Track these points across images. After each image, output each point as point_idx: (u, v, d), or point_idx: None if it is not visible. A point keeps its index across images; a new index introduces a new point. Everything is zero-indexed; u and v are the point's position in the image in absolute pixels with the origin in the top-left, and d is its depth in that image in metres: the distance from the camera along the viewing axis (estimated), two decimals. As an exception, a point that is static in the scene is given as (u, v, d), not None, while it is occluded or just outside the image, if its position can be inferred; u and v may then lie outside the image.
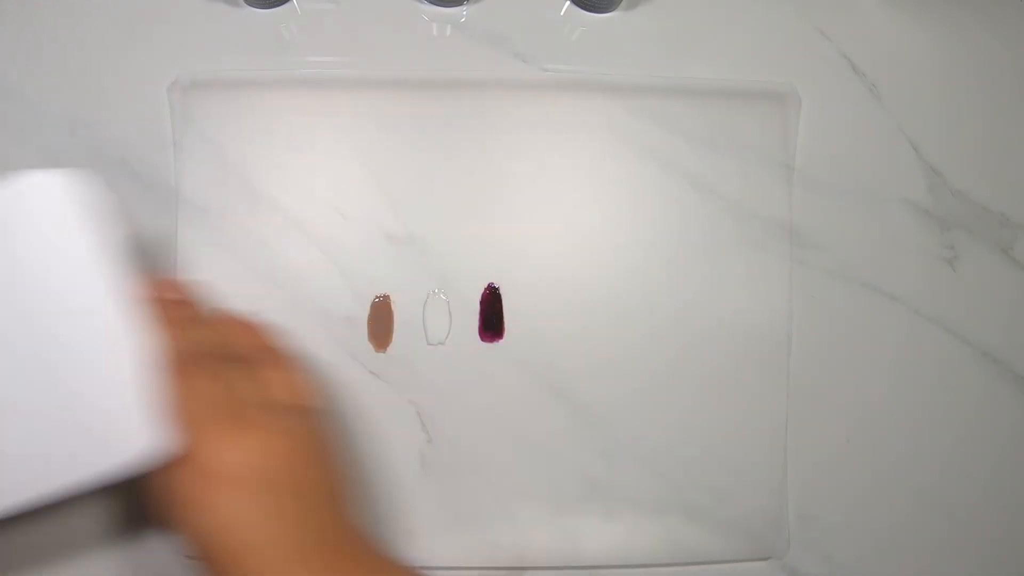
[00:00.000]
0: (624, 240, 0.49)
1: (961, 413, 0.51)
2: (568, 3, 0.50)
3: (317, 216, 0.48)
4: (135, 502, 0.44)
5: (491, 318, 0.48)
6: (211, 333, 0.37)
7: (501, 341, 0.48)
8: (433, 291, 0.48)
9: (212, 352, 0.35)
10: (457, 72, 0.49)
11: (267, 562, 0.31)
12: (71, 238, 0.36)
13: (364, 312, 0.48)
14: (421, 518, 0.48)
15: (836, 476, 0.50)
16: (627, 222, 0.49)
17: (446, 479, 0.48)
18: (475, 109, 0.48)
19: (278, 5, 0.49)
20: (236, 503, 0.32)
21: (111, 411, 0.34)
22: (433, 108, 0.48)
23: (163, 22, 0.48)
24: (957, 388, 0.51)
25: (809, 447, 0.50)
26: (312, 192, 0.48)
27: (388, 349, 0.48)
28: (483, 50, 0.49)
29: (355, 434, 0.48)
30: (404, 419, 0.48)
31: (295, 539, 0.32)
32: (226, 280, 0.47)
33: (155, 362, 0.34)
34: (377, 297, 0.48)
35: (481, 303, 0.48)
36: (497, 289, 0.48)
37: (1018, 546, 0.51)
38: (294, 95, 0.48)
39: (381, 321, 0.48)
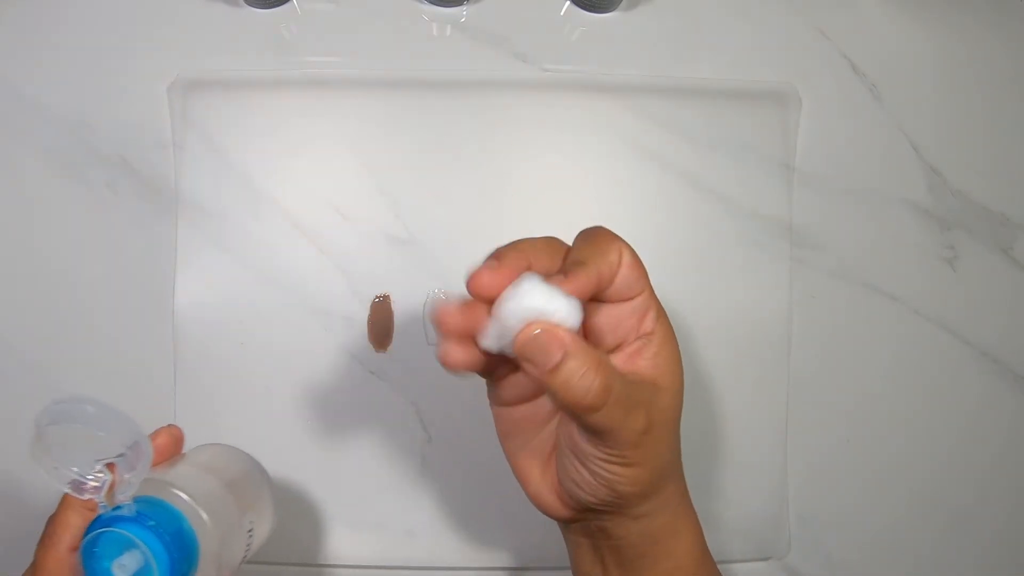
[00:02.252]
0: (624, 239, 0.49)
1: (960, 413, 0.51)
2: (568, 3, 0.50)
3: (317, 216, 0.48)
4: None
5: (491, 318, 0.48)
6: None
7: (501, 341, 0.48)
8: (433, 291, 0.48)
9: None
10: (457, 72, 0.49)
11: None
12: None
13: (364, 312, 0.48)
14: (421, 518, 0.48)
15: (836, 476, 0.50)
16: (627, 222, 0.49)
17: (446, 479, 0.48)
18: (475, 109, 0.48)
19: (278, 5, 0.49)
20: None
21: None
22: (433, 108, 0.48)
23: (163, 22, 0.48)
24: (957, 388, 0.51)
25: (809, 447, 0.50)
26: (312, 192, 0.48)
27: (388, 349, 0.48)
28: (483, 50, 0.49)
29: (355, 434, 0.48)
30: (404, 419, 0.48)
31: None
32: (226, 280, 0.47)
33: None
34: (377, 297, 0.48)
35: (481, 303, 0.48)
36: (497, 289, 0.48)
37: (1017, 545, 0.51)
38: (294, 95, 0.48)
39: (381, 321, 0.48)
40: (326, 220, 0.48)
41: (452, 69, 0.49)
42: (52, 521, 0.33)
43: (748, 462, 0.49)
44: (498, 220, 0.48)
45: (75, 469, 0.31)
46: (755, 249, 0.49)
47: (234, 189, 0.47)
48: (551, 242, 0.33)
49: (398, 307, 0.48)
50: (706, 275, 0.49)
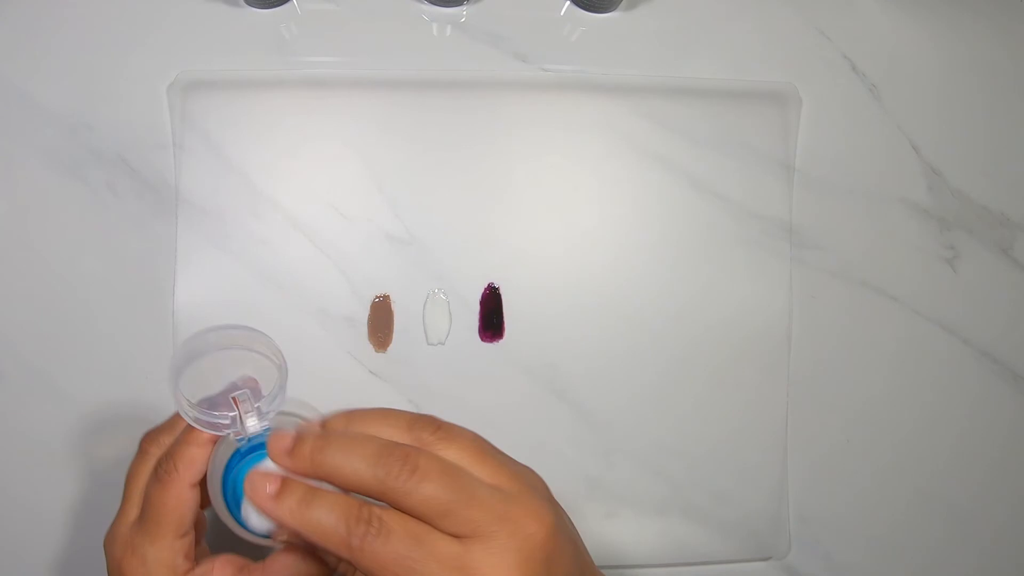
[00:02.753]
0: (624, 240, 0.49)
1: (961, 413, 0.51)
2: (568, 3, 0.50)
3: (317, 216, 0.48)
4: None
5: (491, 318, 0.48)
6: None
7: (501, 341, 0.48)
8: (433, 291, 0.48)
9: None
10: (457, 72, 0.49)
11: None
12: None
13: (364, 312, 0.48)
14: (421, 518, 0.48)
15: (836, 476, 0.50)
16: (627, 222, 0.49)
17: (446, 479, 0.48)
18: (475, 109, 0.48)
19: (278, 5, 0.49)
20: None
21: None
22: (433, 108, 0.48)
23: (163, 22, 0.48)
24: (957, 388, 0.51)
25: (809, 447, 0.50)
26: (312, 192, 0.48)
27: (388, 349, 0.48)
28: (483, 50, 0.49)
29: (355, 434, 0.48)
30: (404, 419, 0.48)
31: None
32: (226, 280, 0.47)
33: None
34: (377, 297, 0.48)
35: (481, 303, 0.48)
36: (497, 289, 0.48)
37: (1017, 545, 0.51)
38: (294, 95, 0.48)
39: (381, 321, 0.48)
40: (326, 220, 0.48)
41: (452, 69, 0.49)
42: (172, 458, 0.32)
43: (748, 462, 0.49)
44: (498, 220, 0.48)
45: (216, 413, 0.32)
46: (755, 249, 0.49)
47: (234, 189, 0.47)
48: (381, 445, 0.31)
49: (398, 307, 0.48)
50: (706, 275, 0.49)
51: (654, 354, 0.49)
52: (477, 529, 0.29)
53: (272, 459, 0.31)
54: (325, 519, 0.29)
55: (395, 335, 0.48)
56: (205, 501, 0.34)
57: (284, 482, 0.30)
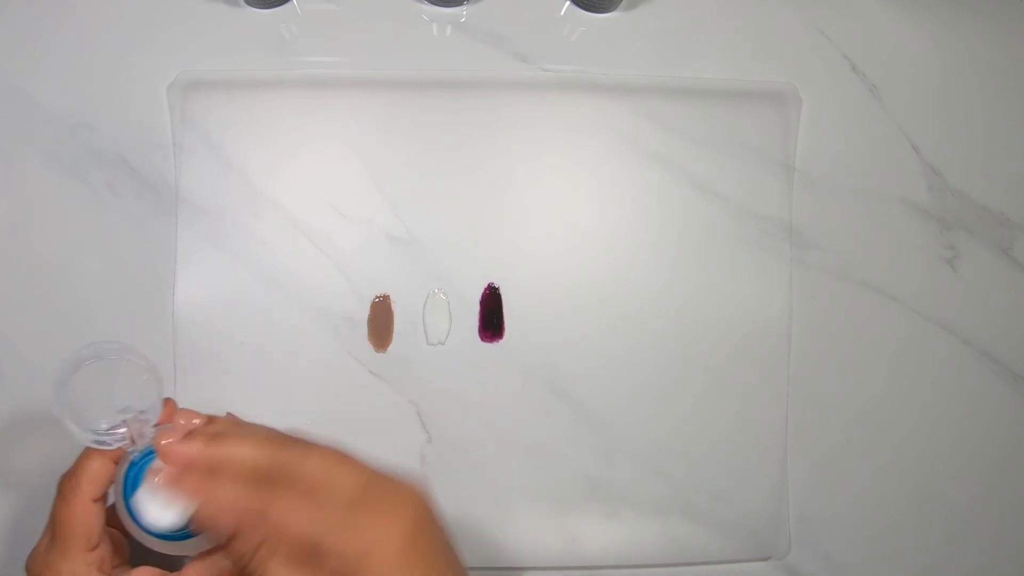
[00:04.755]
0: (624, 240, 0.49)
1: (961, 413, 0.51)
2: (568, 3, 0.50)
3: (317, 216, 0.48)
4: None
5: (491, 318, 0.48)
6: None
7: (501, 341, 0.48)
8: (433, 291, 0.48)
9: None
10: (457, 72, 0.49)
11: None
12: None
13: (364, 312, 0.48)
14: (421, 518, 0.48)
15: (836, 476, 0.50)
16: (627, 222, 0.49)
17: (446, 479, 0.48)
18: (475, 109, 0.48)
19: (278, 5, 0.49)
20: None
21: None
22: (433, 108, 0.48)
23: (163, 22, 0.48)
24: (957, 388, 0.51)
25: (809, 447, 0.50)
26: (312, 192, 0.48)
27: (388, 349, 0.48)
28: (483, 50, 0.49)
29: (355, 434, 0.48)
30: (404, 419, 0.48)
31: None
32: (226, 280, 0.47)
33: None
34: (377, 297, 0.48)
35: (481, 303, 0.48)
36: (497, 289, 0.48)
37: (1017, 545, 0.51)
38: (294, 95, 0.48)
39: (381, 321, 0.48)
40: (326, 220, 0.48)
41: (452, 69, 0.49)
42: (75, 475, 0.35)
43: (748, 462, 0.49)
44: (498, 220, 0.48)
45: (103, 425, 0.35)
46: (755, 249, 0.49)
47: (234, 189, 0.47)
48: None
49: (398, 307, 0.48)
50: (706, 275, 0.49)
51: (654, 354, 0.49)
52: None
53: (162, 456, 0.34)
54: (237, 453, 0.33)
55: (395, 335, 0.48)
56: (111, 521, 0.36)
57: (189, 433, 0.34)
